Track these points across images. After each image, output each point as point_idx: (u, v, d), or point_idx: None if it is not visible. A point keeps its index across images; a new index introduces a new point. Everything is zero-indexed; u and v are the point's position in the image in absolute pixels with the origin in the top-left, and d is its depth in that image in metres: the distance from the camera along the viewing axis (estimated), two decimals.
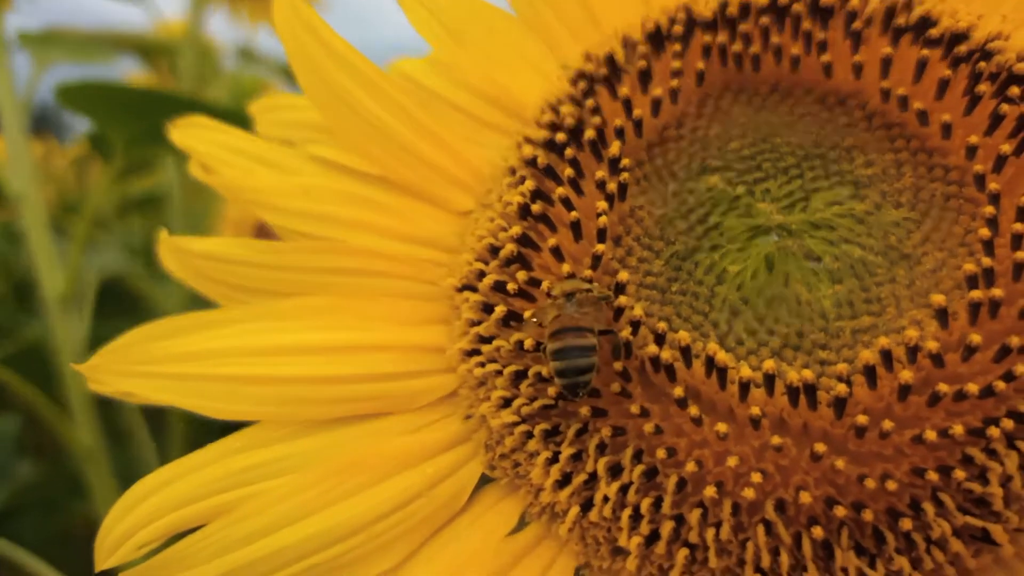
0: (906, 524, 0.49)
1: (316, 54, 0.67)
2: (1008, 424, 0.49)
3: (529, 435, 0.57)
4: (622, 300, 0.54)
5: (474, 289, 0.62)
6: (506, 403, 0.58)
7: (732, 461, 0.50)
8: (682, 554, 0.52)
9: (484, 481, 0.61)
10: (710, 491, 0.50)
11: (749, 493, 0.49)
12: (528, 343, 0.56)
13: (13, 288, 1.99)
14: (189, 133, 0.73)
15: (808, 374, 0.50)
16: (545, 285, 0.57)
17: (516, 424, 0.57)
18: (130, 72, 2.47)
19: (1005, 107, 0.54)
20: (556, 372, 0.52)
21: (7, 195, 1.36)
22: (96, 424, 1.26)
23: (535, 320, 0.55)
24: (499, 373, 0.58)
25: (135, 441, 1.31)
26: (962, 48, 0.57)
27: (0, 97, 1.36)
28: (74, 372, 1.26)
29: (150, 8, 2.23)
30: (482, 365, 0.59)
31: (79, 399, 1.25)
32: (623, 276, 0.55)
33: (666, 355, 0.53)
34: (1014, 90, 0.55)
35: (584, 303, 0.53)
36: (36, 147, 2.57)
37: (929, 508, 0.49)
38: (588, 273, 0.56)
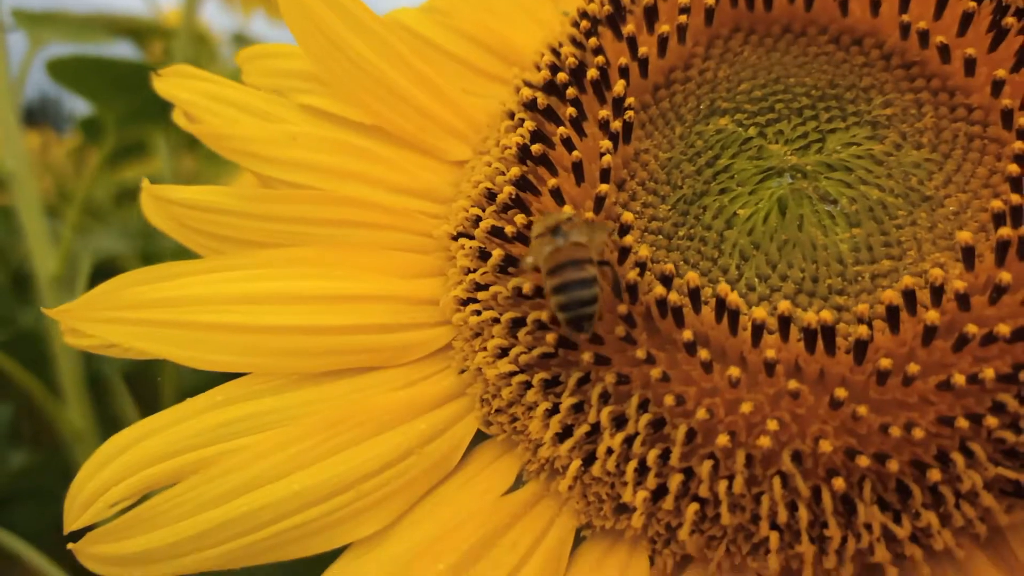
0: (934, 475, 0.45)
1: (312, 1, 0.64)
2: None
3: (527, 385, 0.53)
4: (627, 240, 0.51)
5: (470, 236, 0.58)
6: (503, 352, 0.54)
7: (746, 407, 0.47)
8: (691, 509, 0.48)
9: (480, 438, 0.58)
10: (723, 439, 0.47)
11: (765, 442, 0.46)
12: (527, 287, 0.53)
13: (11, 277, 1.96)
14: (173, 82, 0.69)
15: (827, 315, 0.47)
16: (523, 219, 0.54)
17: (514, 374, 0.54)
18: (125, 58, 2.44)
19: None
20: (559, 307, 0.49)
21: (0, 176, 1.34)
22: (87, 407, 1.24)
23: (531, 262, 0.52)
24: (496, 321, 0.55)
25: (126, 425, 1.28)
26: None
27: None
28: (66, 355, 1.24)
29: None
30: (478, 313, 0.56)
31: (71, 382, 1.23)
32: (627, 217, 0.52)
33: (673, 298, 0.49)
34: None
35: (575, 233, 0.50)
36: (34, 138, 2.55)
37: (959, 459, 0.46)
38: (589, 216, 0.53)
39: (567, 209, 0.54)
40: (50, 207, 2.06)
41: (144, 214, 0.66)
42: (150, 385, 1.33)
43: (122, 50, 2.27)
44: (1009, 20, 0.52)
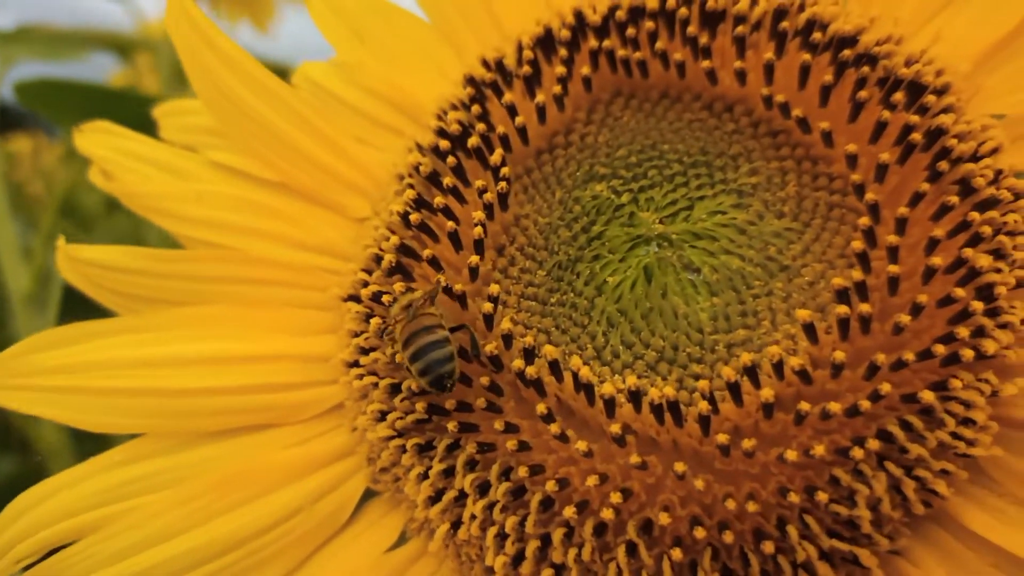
0: (768, 547, 0.47)
1: (206, 57, 0.65)
2: (874, 444, 0.47)
3: (403, 449, 0.56)
4: (486, 307, 0.53)
5: (358, 299, 0.60)
6: (382, 416, 0.57)
7: (592, 480, 0.49)
8: (547, 574, 0.50)
9: (371, 496, 0.60)
10: (569, 511, 0.49)
11: (608, 514, 0.48)
12: (381, 358, 0.55)
13: None
14: (91, 139, 0.72)
15: (669, 391, 0.49)
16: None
17: (391, 438, 0.56)
18: (110, 70, 2.47)
19: (887, 114, 0.52)
20: (419, 373, 0.52)
21: None
22: (60, 424, 1.26)
23: (390, 337, 0.54)
24: (375, 386, 0.57)
25: (107, 439, 1.31)
26: (848, 53, 0.55)
27: None
28: None
29: (132, 7, 2.22)
30: (361, 377, 0.58)
31: None
32: (494, 289, 0.54)
33: (531, 372, 0.51)
34: (898, 96, 0.53)
35: (423, 305, 0.52)
36: (25, 144, 2.58)
37: (793, 531, 0.48)
38: (459, 287, 0.55)
39: (440, 278, 0.56)
40: (39, 216, 2.09)
41: (61, 273, 0.68)
42: None
43: (105, 62, 2.29)
44: (864, 93, 0.53)
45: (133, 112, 0.78)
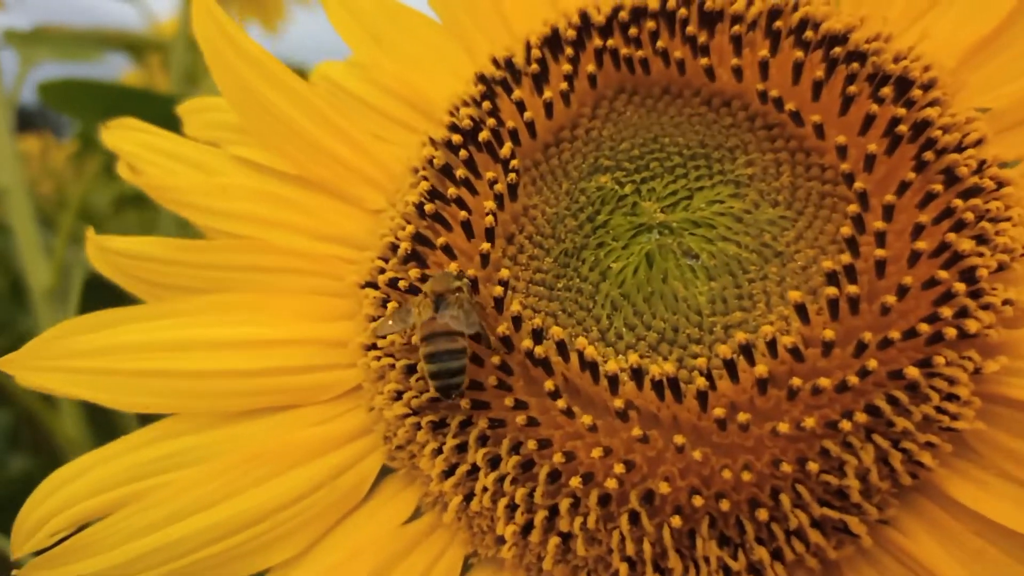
0: (762, 514, 0.50)
1: (230, 57, 0.69)
2: (862, 418, 0.50)
3: (418, 427, 0.59)
4: (497, 290, 0.56)
5: (375, 286, 0.64)
6: (398, 395, 0.60)
7: (596, 452, 0.52)
8: (553, 543, 0.54)
9: (386, 472, 0.63)
10: (575, 481, 0.52)
11: (611, 484, 0.51)
12: (397, 340, 0.58)
13: (10, 284, 2.04)
14: (118, 135, 0.75)
15: (669, 368, 0.52)
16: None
17: (407, 416, 0.59)
18: (123, 70, 2.51)
19: (875, 107, 0.55)
20: (430, 375, 0.55)
21: None
22: (81, 416, 1.30)
23: (411, 311, 0.57)
24: (392, 367, 0.60)
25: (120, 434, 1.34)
26: (838, 50, 0.58)
27: None
28: None
29: (143, 8, 2.26)
30: (378, 359, 0.61)
31: None
32: (504, 274, 0.57)
33: (539, 350, 0.54)
34: (885, 91, 0.56)
35: (455, 307, 0.55)
36: (34, 143, 2.62)
37: (785, 499, 0.51)
38: (471, 272, 0.58)
39: (452, 267, 0.59)
40: (49, 215, 2.13)
41: (91, 263, 0.72)
42: None
43: (119, 63, 2.33)
44: (853, 88, 0.56)
45: (154, 111, 0.82)
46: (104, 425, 1.41)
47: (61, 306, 1.40)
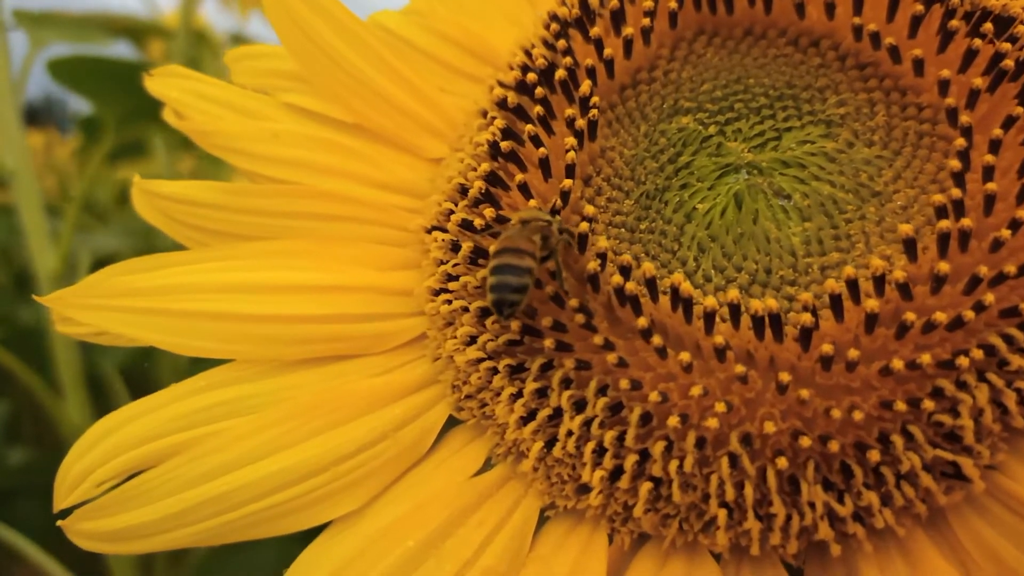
0: (874, 456, 0.48)
1: (294, 2, 0.66)
2: (978, 354, 0.48)
3: (494, 371, 0.56)
4: (583, 226, 0.54)
5: (443, 229, 0.61)
6: (472, 340, 0.57)
7: (696, 391, 0.49)
8: (646, 488, 0.51)
9: (452, 424, 0.60)
10: (673, 421, 0.49)
11: (712, 423, 0.48)
12: (471, 282, 0.56)
13: (14, 277, 2.00)
14: (163, 82, 0.72)
15: (772, 304, 0.50)
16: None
17: (481, 360, 0.56)
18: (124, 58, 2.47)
19: (978, 43, 0.54)
20: (489, 287, 0.52)
21: (1, 174, 1.36)
22: (85, 402, 1.26)
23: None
24: (465, 310, 0.57)
25: None
26: None
27: None
28: (65, 351, 1.27)
29: None
30: (449, 303, 0.59)
31: (69, 378, 1.25)
32: (589, 210, 0.55)
33: (630, 287, 0.52)
34: (987, 27, 0.54)
35: (536, 233, 0.53)
36: (38, 138, 2.58)
37: (898, 440, 0.48)
38: (558, 204, 0.56)
39: (532, 203, 0.56)
40: (53, 206, 2.09)
41: (135, 208, 0.69)
42: (146, 381, 1.36)
43: (120, 50, 2.30)
44: (955, 23, 0.54)
45: None
46: (108, 411, 1.38)
47: None
